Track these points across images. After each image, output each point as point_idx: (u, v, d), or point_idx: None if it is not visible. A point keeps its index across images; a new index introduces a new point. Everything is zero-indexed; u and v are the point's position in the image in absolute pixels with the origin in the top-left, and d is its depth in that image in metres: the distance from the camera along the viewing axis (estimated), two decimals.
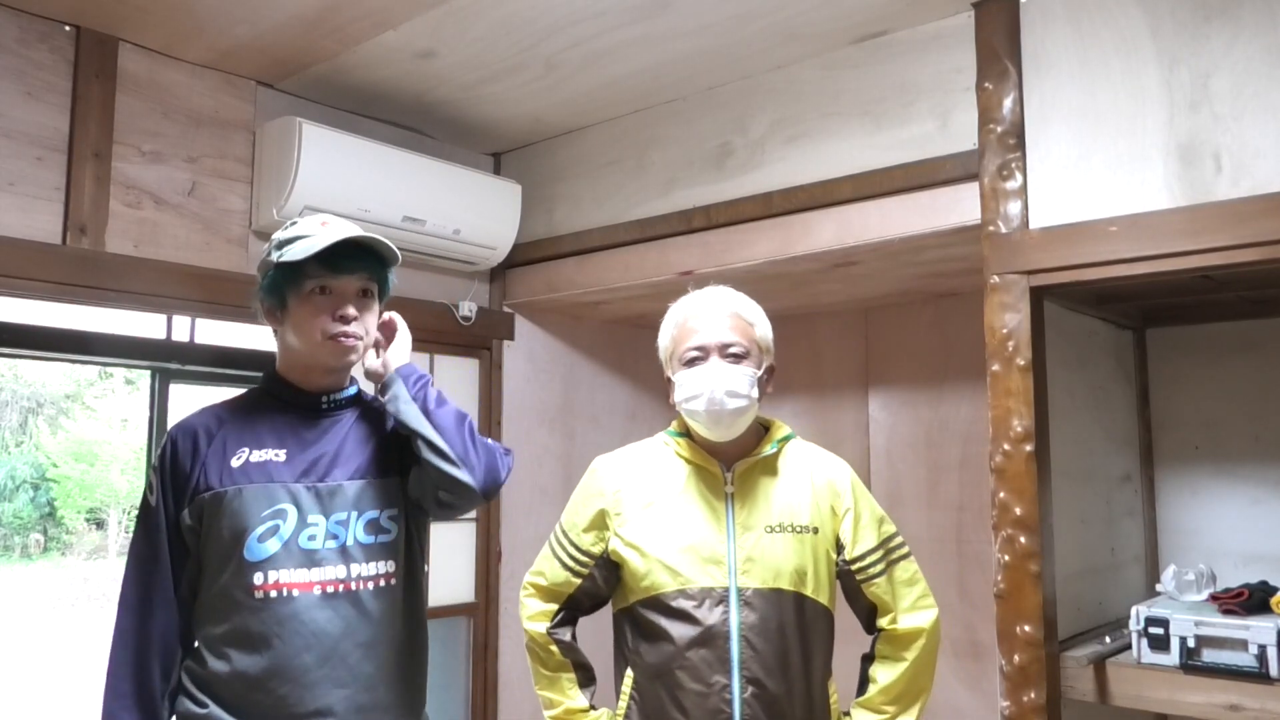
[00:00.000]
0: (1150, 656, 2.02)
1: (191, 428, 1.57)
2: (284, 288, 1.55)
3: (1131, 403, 2.62)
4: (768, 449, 1.71)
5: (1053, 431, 2.14)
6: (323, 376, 1.61)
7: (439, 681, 3.13)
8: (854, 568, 1.69)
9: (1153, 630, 2.02)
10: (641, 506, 1.69)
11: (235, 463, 1.52)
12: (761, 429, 1.76)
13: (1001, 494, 2.09)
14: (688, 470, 1.71)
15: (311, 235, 1.55)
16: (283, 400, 1.60)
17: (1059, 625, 2.11)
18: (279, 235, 1.58)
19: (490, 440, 1.62)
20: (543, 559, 1.78)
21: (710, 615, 1.60)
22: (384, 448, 1.62)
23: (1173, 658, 1.99)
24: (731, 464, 1.70)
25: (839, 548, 1.69)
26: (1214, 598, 2.12)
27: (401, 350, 1.66)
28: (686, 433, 1.76)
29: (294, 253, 1.52)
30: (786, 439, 1.75)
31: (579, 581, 1.72)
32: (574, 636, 1.76)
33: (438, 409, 1.57)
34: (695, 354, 1.67)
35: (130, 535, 1.59)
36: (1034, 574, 2.04)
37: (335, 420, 1.61)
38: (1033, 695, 2.02)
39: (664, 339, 1.77)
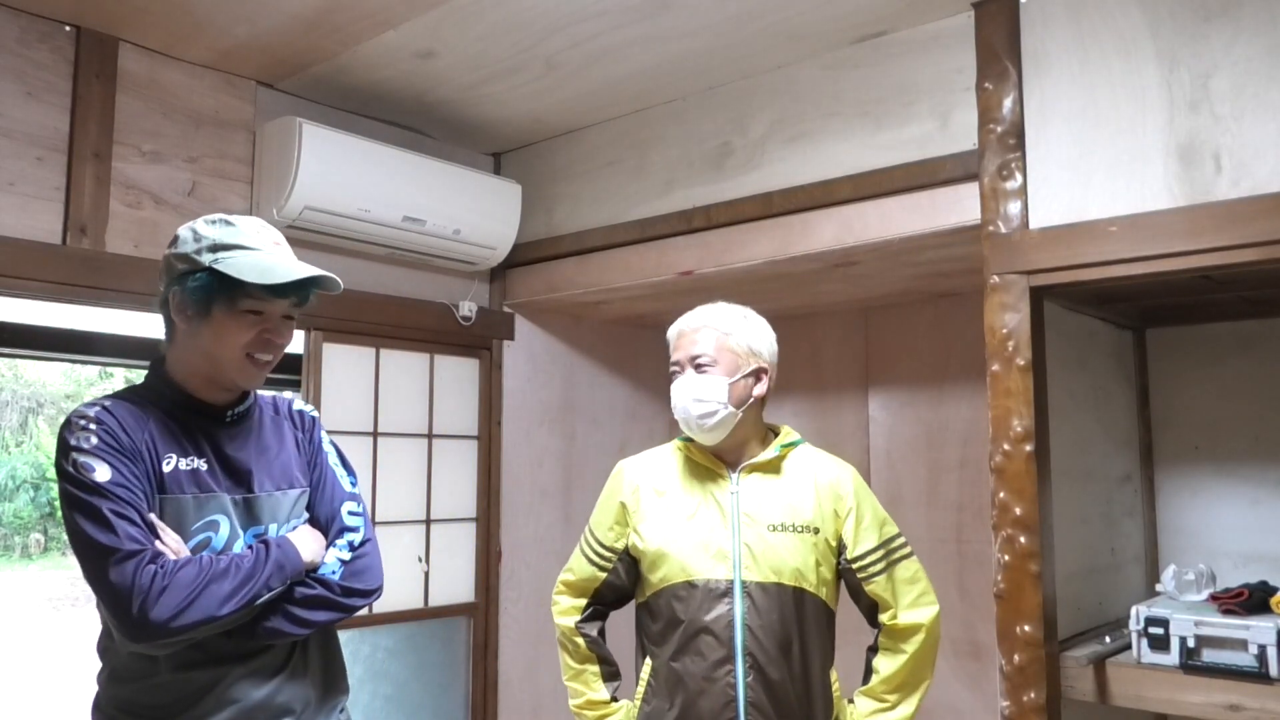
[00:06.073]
0: (1150, 656, 2.02)
1: (118, 417, 1.42)
2: (214, 294, 1.43)
3: (1131, 403, 2.62)
4: (770, 453, 1.81)
5: (1053, 431, 2.14)
6: (222, 393, 1.51)
7: (439, 681, 3.16)
8: (855, 566, 1.79)
9: (1153, 630, 2.02)
10: (655, 505, 1.82)
11: (166, 468, 1.43)
12: (770, 434, 1.88)
13: (1001, 494, 2.09)
14: (697, 471, 1.83)
15: (257, 249, 1.45)
16: (187, 409, 1.49)
17: (1059, 625, 2.11)
18: (212, 233, 1.46)
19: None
20: (573, 557, 1.92)
21: (716, 605, 1.71)
22: (294, 458, 1.59)
23: (1173, 658, 1.99)
24: (736, 466, 1.82)
25: (840, 547, 1.79)
26: (1214, 598, 2.12)
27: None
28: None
29: (240, 268, 1.42)
30: (792, 444, 1.85)
31: (603, 576, 1.85)
32: (601, 633, 1.90)
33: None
34: (674, 369, 1.84)
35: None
36: (1034, 574, 2.04)
37: (242, 430, 1.54)
38: (1033, 695, 2.02)
39: None
